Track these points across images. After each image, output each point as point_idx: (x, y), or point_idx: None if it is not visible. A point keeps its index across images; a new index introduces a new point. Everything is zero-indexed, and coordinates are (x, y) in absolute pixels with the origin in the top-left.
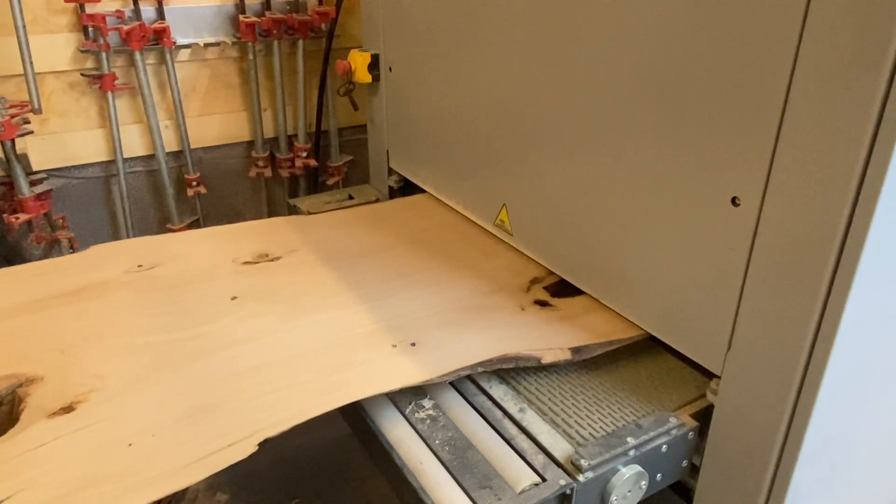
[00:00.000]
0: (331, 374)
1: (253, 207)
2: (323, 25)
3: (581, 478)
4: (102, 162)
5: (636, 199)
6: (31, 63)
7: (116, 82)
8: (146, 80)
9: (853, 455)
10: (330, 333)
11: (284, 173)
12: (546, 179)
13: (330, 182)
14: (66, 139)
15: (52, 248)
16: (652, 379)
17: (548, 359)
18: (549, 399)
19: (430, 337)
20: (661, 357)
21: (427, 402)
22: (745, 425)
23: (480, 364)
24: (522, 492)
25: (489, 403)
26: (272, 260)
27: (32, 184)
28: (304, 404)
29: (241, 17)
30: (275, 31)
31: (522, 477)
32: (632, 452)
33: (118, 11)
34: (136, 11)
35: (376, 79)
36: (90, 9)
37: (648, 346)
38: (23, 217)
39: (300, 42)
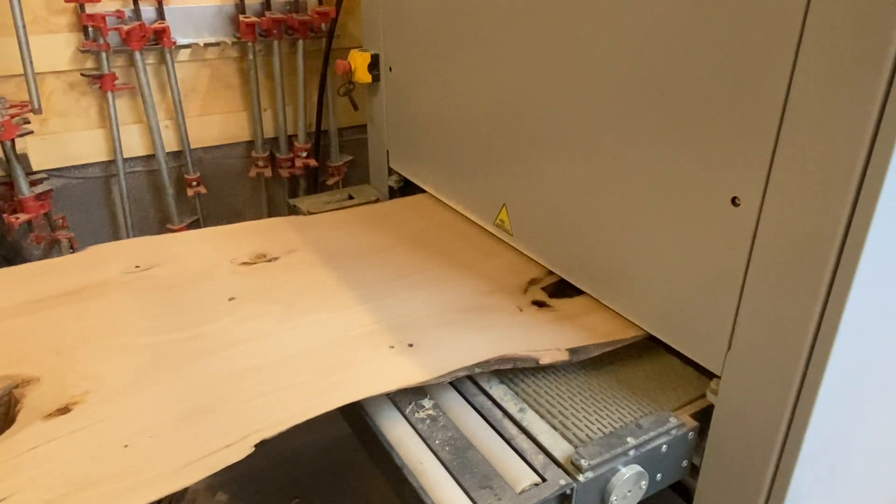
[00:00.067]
0: (328, 374)
1: (253, 207)
2: (323, 25)
3: (581, 478)
4: (102, 162)
5: (636, 198)
6: (31, 63)
7: (116, 82)
8: (146, 80)
9: (853, 455)
10: (328, 334)
11: (284, 173)
12: (546, 179)
13: (330, 182)
14: (66, 139)
15: (52, 248)
16: (652, 379)
17: (545, 360)
18: (549, 399)
19: (428, 337)
20: (661, 357)
21: (427, 402)
22: (745, 425)
23: (478, 365)
24: (522, 492)
25: (489, 403)
26: (270, 260)
27: (32, 184)
28: (301, 405)
29: (241, 17)
30: (275, 31)
31: (522, 477)
32: (632, 452)
33: (118, 11)
34: (136, 11)
35: (376, 79)
36: (90, 9)
37: (648, 346)
38: (23, 217)
39: (300, 42)
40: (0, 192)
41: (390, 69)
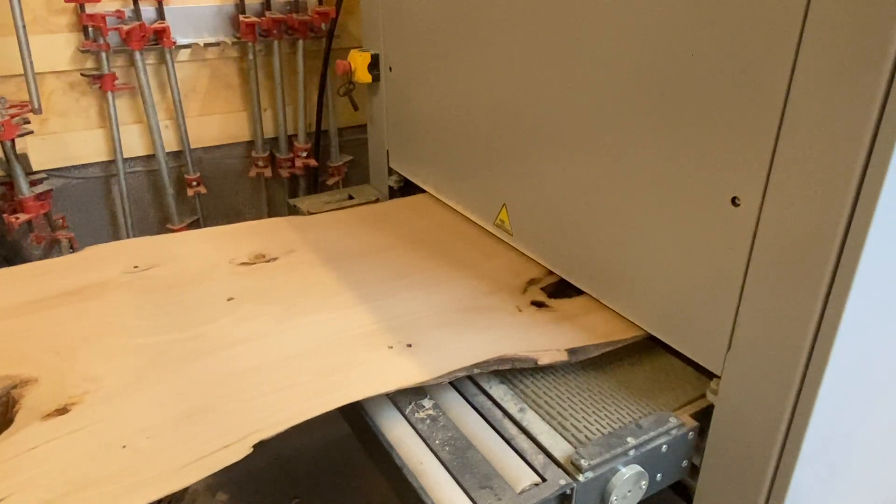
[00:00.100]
0: (327, 375)
1: (253, 207)
2: (323, 25)
3: (581, 478)
4: (102, 162)
5: (636, 199)
6: (31, 63)
7: (116, 82)
8: (146, 80)
9: (853, 455)
10: (326, 334)
11: (284, 173)
12: (546, 179)
13: (330, 182)
14: (66, 139)
15: (52, 248)
16: (652, 379)
17: (544, 360)
18: (549, 399)
19: (427, 338)
20: (661, 357)
21: (427, 402)
22: (745, 425)
23: (477, 365)
24: (522, 492)
25: (489, 403)
26: (269, 261)
27: (32, 184)
28: (299, 406)
29: (241, 17)
30: (275, 31)
31: (522, 477)
32: (632, 452)
33: (118, 11)
34: (136, 11)
35: (376, 79)
36: (90, 9)
37: (648, 346)
38: (23, 217)
39: (300, 42)
40: (0, 192)
41: (390, 69)
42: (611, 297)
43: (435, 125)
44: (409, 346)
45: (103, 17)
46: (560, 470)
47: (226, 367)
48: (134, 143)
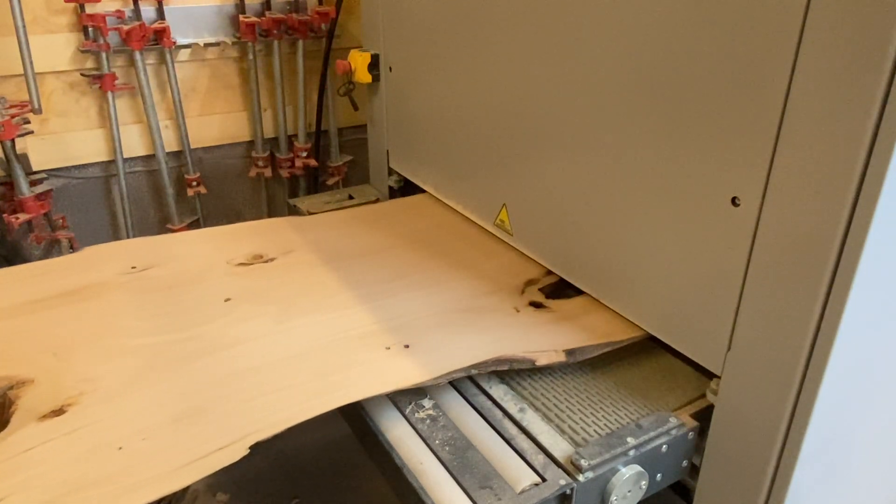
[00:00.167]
0: (324, 376)
1: (253, 207)
2: (323, 25)
3: (581, 478)
4: (102, 162)
5: (636, 198)
6: (31, 63)
7: (116, 82)
8: (146, 80)
9: (853, 455)
10: (324, 335)
11: (284, 173)
12: (546, 179)
13: (330, 182)
14: (66, 139)
15: (52, 248)
16: (652, 379)
17: (542, 361)
18: (549, 399)
19: (424, 339)
20: (661, 357)
21: (427, 402)
22: (745, 425)
23: (475, 366)
24: (522, 492)
25: (489, 403)
26: (266, 261)
27: (32, 184)
28: (295, 407)
29: (241, 17)
30: (275, 31)
31: (522, 477)
32: (632, 452)
33: (118, 11)
34: (136, 11)
35: (376, 79)
36: (90, 9)
37: (648, 346)
38: (23, 217)
39: (300, 42)
40: (0, 192)
41: (390, 69)
42: (610, 296)
43: (435, 125)
44: (407, 346)
45: (103, 17)
46: (560, 470)
47: (222, 367)
48: (134, 143)
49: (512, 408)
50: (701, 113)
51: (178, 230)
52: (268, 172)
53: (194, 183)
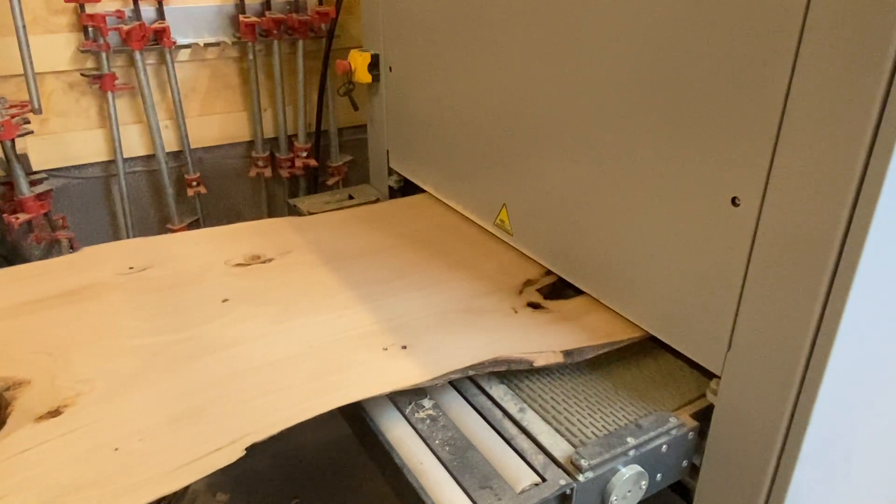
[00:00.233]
0: (320, 377)
1: (253, 207)
2: (323, 25)
3: (581, 478)
4: (102, 162)
5: (636, 198)
6: (31, 63)
7: (116, 82)
8: (146, 80)
9: (853, 455)
10: (321, 336)
11: (284, 173)
12: (546, 179)
13: (330, 182)
14: (66, 139)
15: (52, 248)
16: (652, 379)
17: (540, 362)
18: (549, 399)
19: (422, 339)
20: (661, 357)
21: (427, 402)
22: (745, 425)
23: (472, 367)
24: (522, 492)
25: (489, 403)
26: (264, 262)
27: (32, 184)
28: (292, 409)
29: (241, 17)
30: (275, 31)
31: (522, 477)
32: (632, 452)
33: (118, 11)
34: (136, 11)
35: (376, 79)
36: (90, 9)
37: (648, 346)
38: (23, 217)
39: (300, 42)
40: (0, 192)
41: (390, 69)
42: (610, 296)
43: (435, 125)
44: (405, 347)
45: (103, 17)
46: (560, 470)
47: (220, 368)
48: (134, 143)
49: (512, 408)
50: (701, 113)
51: (178, 230)
52: (268, 172)
53: (194, 183)
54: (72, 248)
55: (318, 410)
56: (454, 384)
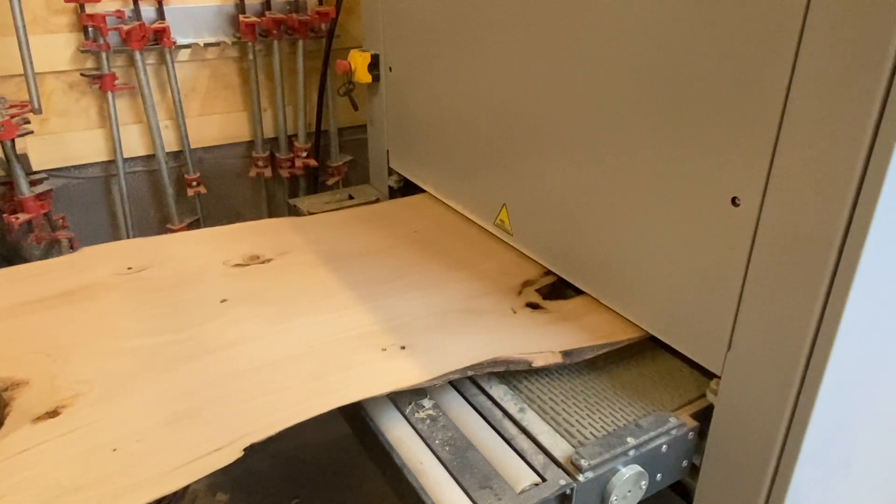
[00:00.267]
0: (318, 378)
1: (253, 207)
2: (323, 25)
3: (581, 478)
4: (102, 162)
5: (636, 198)
6: (31, 63)
7: (116, 82)
8: (146, 80)
9: (853, 455)
10: (319, 337)
11: (284, 173)
12: (546, 179)
13: (330, 182)
14: (66, 139)
15: (52, 248)
16: (652, 379)
17: (538, 362)
18: (549, 399)
19: (420, 340)
20: (661, 357)
21: (427, 402)
22: (745, 425)
23: (470, 367)
24: (522, 492)
25: (489, 403)
26: (263, 262)
27: (32, 184)
28: (290, 409)
29: (241, 17)
30: (275, 31)
31: (522, 477)
32: (632, 452)
33: (118, 11)
34: (136, 11)
35: (376, 79)
36: (90, 9)
37: (649, 347)
38: (23, 217)
39: (300, 42)
40: (0, 192)
41: (390, 69)
42: (610, 296)
43: (435, 125)
44: (403, 348)
45: (103, 17)
46: (560, 470)
47: (217, 369)
48: (134, 143)
49: (512, 408)
50: (701, 113)
51: (178, 230)
52: (268, 172)
53: (194, 183)
54: (72, 248)
55: (316, 411)
56: (454, 384)
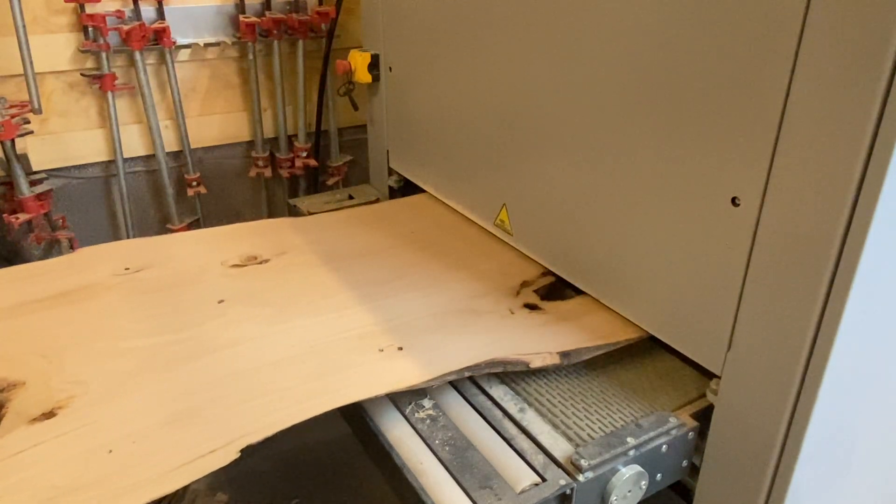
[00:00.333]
0: (315, 379)
1: (253, 207)
2: (323, 25)
3: (581, 478)
4: (102, 162)
5: (636, 198)
6: (31, 63)
7: (116, 82)
8: (146, 80)
9: (853, 455)
10: (317, 337)
11: (284, 173)
12: (546, 179)
13: (330, 182)
14: (66, 139)
15: (52, 248)
16: (652, 379)
17: (536, 363)
18: (549, 399)
19: (418, 341)
20: (661, 357)
21: (427, 402)
22: (745, 425)
23: (468, 368)
24: (522, 492)
25: (489, 403)
26: (261, 263)
27: (32, 184)
28: (289, 409)
29: (241, 17)
30: (275, 31)
31: (522, 477)
32: (632, 452)
33: (118, 11)
34: (136, 11)
35: (376, 79)
36: (90, 9)
37: (648, 347)
38: (23, 217)
39: (300, 42)
40: (0, 192)
41: (390, 69)
42: (610, 296)
43: (435, 125)
44: (402, 348)
45: (103, 17)
46: (560, 470)
47: (216, 369)
48: (134, 143)
49: (512, 408)
50: (701, 113)
51: (178, 230)
52: (268, 172)
53: (194, 183)
54: (72, 248)
55: (316, 411)
56: (454, 384)
